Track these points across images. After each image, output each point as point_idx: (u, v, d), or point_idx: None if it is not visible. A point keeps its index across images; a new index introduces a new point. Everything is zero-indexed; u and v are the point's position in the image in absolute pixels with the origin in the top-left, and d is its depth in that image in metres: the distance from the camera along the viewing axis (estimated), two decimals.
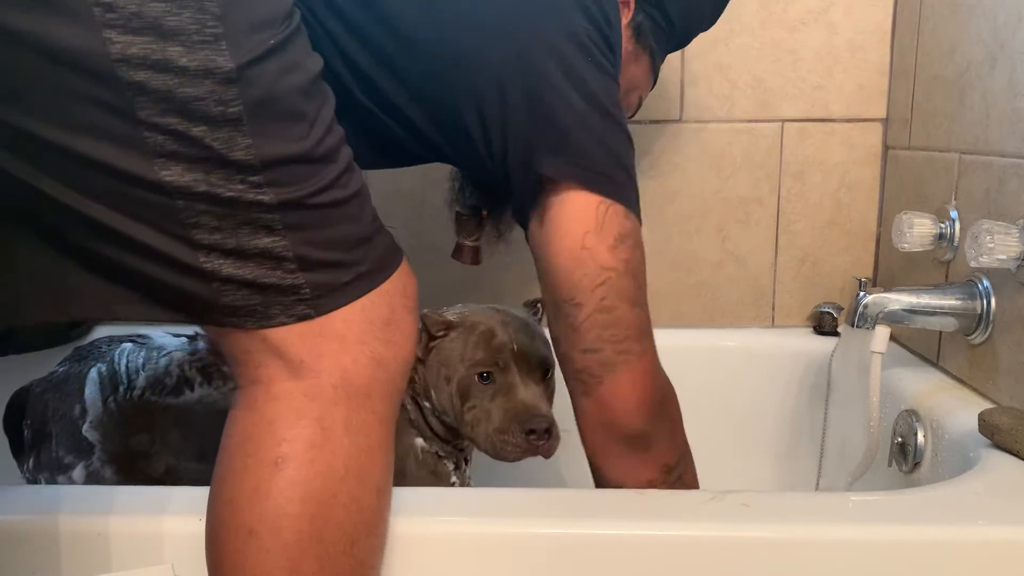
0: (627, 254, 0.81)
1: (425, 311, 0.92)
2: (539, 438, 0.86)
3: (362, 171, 0.68)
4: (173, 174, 0.56)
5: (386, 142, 0.88)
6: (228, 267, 0.59)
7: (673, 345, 1.32)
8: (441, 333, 0.93)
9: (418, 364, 0.93)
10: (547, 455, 0.88)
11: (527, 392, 0.90)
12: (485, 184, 0.99)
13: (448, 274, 1.39)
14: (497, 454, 0.89)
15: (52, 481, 0.95)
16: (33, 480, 0.97)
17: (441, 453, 0.95)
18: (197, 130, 0.56)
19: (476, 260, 1.08)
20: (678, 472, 0.85)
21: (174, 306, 0.61)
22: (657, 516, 0.74)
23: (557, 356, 0.86)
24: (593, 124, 0.80)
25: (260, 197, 0.58)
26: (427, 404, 0.94)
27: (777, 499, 0.80)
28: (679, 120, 1.33)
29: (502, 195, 0.92)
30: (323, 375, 0.63)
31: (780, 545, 0.71)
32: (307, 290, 0.61)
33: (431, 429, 0.95)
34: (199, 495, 0.66)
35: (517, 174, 0.81)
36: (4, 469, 1.11)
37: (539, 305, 1.01)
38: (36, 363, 1.18)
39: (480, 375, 0.90)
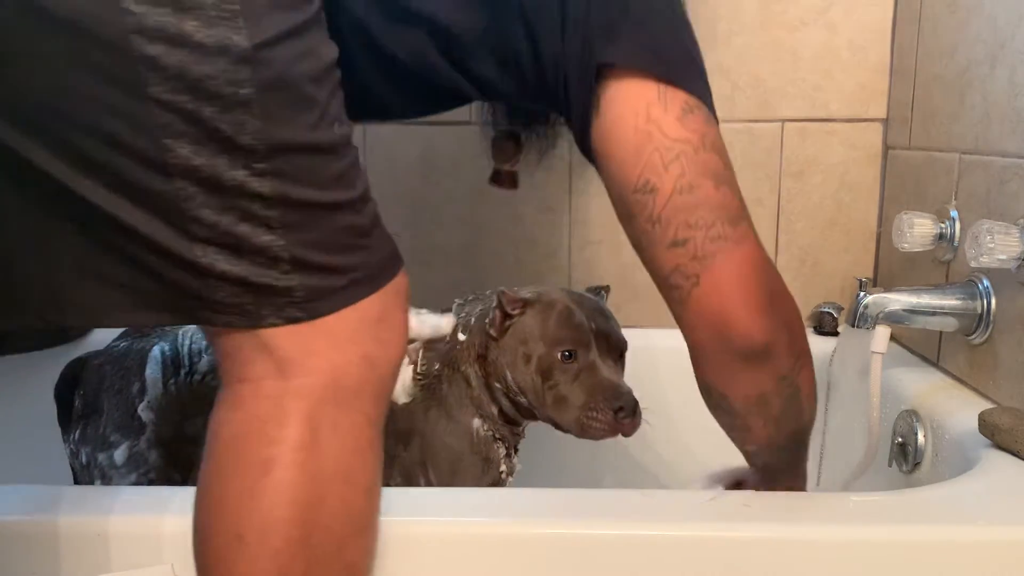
0: (700, 125, 0.71)
1: (501, 289, 0.92)
2: (626, 416, 0.86)
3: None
4: (179, 157, 0.55)
5: (422, 84, 0.82)
6: (223, 263, 0.58)
7: (674, 345, 1.31)
8: (517, 311, 0.92)
9: (491, 343, 0.93)
10: (629, 433, 0.88)
11: (609, 371, 0.90)
12: (521, 108, 0.96)
13: (448, 274, 1.39)
14: (583, 432, 0.88)
15: (93, 457, 0.95)
16: (75, 452, 0.97)
17: (497, 435, 0.95)
18: (207, 111, 0.55)
19: (514, 184, 1.06)
20: (790, 379, 0.76)
21: (165, 304, 0.60)
22: (657, 516, 0.74)
23: (644, 262, 0.76)
24: (659, 10, 0.73)
25: (261, 188, 0.57)
26: (498, 384, 0.93)
27: (777, 499, 0.80)
28: None
29: (539, 115, 0.88)
30: (313, 374, 0.61)
31: (780, 545, 0.71)
32: (300, 293, 0.60)
33: (498, 408, 0.94)
34: None
35: (575, 78, 0.73)
36: (8, 463, 1.11)
37: (603, 291, 1.02)
38: (36, 363, 1.18)
39: (563, 354, 0.89)
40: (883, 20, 1.29)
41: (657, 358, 1.30)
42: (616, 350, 0.93)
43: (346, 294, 0.63)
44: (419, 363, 0.95)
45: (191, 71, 0.54)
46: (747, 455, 0.85)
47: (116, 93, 0.53)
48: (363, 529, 0.64)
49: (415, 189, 1.37)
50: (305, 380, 0.61)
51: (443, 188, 1.37)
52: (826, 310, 1.34)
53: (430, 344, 0.96)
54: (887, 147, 1.32)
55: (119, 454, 0.93)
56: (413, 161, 1.36)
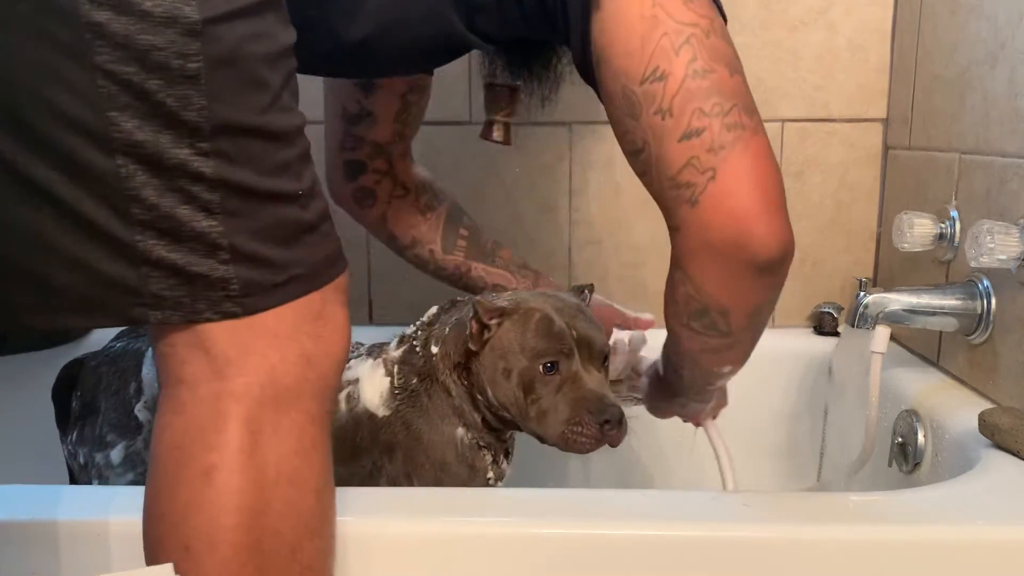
0: (707, 10, 0.68)
1: (477, 298, 0.89)
2: (612, 428, 0.83)
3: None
4: (123, 131, 0.54)
5: (427, 43, 0.83)
6: (160, 249, 0.56)
7: None
8: (494, 322, 0.89)
9: (472, 356, 0.90)
10: (616, 444, 0.85)
11: (593, 380, 0.86)
12: (521, 56, 0.95)
13: None
14: (569, 447, 0.85)
15: (90, 457, 0.94)
16: (73, 453, 0.97)
17: (482, 443, 0.92)
18: (152, 83, 0.53)
19: (507, 139, 1.04)
20: (781, 287, 0.74)
21: (97, 303, 0.58)
22: (657, 516, 0.74)
23: (645, 170, 0.70)
24: None
25: (203, 169, 0.56)
26: (480, 397, 0.91)
27: (777, 499, 0.80)
28: None
29: (540, 60, 0.88)
30: (249, 374, 0.60)
31: (780, 545, 0.71)
32: (236, 285, 0.59)
33: (482, 417, 0.92)
34: None
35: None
36: (8, 463, 1.11)
37: (586, 291, 0.98)
38: (36, 363, 1.18)
39: (545, 366, 0.86)
40: (883, 20, 1.29)
41: (657, 358, 1.30)
42: (600, 356, 0.89)
43: (284, 291, 0.61)
44: (396, 376, 0.93)
45: (138, 40, 0.53)
46: (702, 377, 0.85)
47: (62, 60, 0.52)
48: (316, 531, 0.63)
49: None
50: (242, 380, 0.60)
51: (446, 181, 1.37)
52: (826, 310, 1.34)
53: (406, 358, 0.94)
54: (887, 147, 1.32)
55: (116, 454, 0.93)
56: None
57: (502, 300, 0.90)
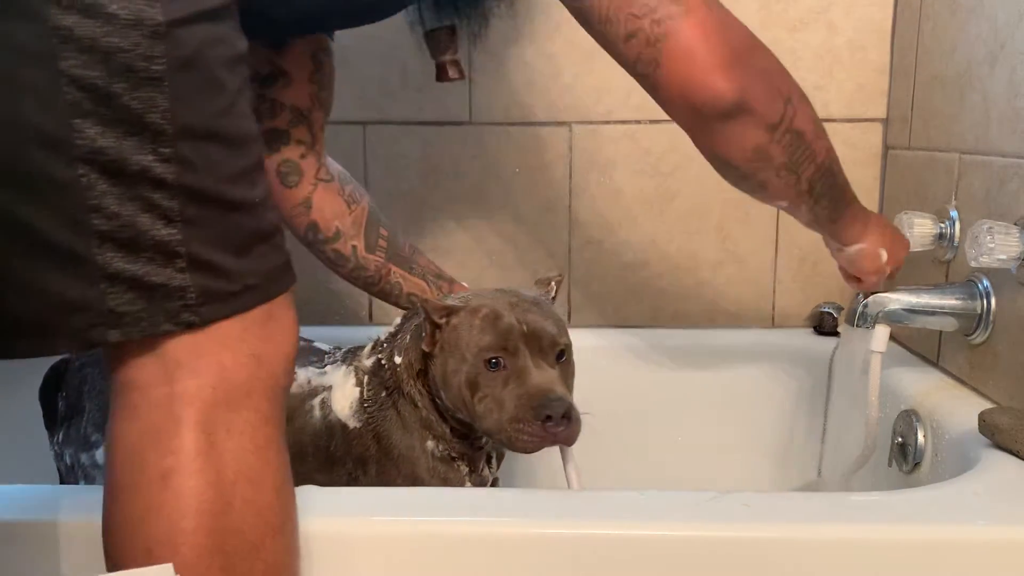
0: None
1: (424, 298, 0.89)
2: (557, 424, 0.79)
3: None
4: (85, 138, 0.54)
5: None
6: (119, 261, 0.56)
7: (673, 345, 1.33)
8: (443, 320, 0.87)
9: (429, 359, 0.88)
10: (568, 442, 0.82)
11: (540, 375, 0.83)
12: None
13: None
14: (513, 445, 0.82)
15: (76, 457, 0.94)
16: (60, 455, 0.96)
17: (454, 454, 0.90)
18: (117, 86, 0.54)
19: (462, 73, 1.07)
20: (784, 125, 0.80)
21: (53, 327, 0.58)
22: (657, 516, 0.74)
23: (615, 60, 0.81)
24: None
25: (165, 175, 0.56)
26: (440, 402, 0.89)
27: (777, 499, 0.80)
28: None
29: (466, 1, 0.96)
30: (201, 375, 0.60)
31: (780, 545, 0.71)
32: (193, 294, 0.59)
33: (451, 425, 0.90)
34: None
35: None
36: (7, 463, 1.11)
37: (553, 283, 0.96)
38: (36, 363, 1.18)
39: (488, 361, 0.83)
40: (883, 20, 1.29)
41: (657, 358, 1.30)
42: (552, 350, 0.85)
43: (239, 301, 0.62)
44: (366, 388, 0.92)
45: (103, 43, 0.53)
46: (798, 218, 0.92)
47: (27, 67, 0.52)
48: (278, 528, 0.63)
49: (415, 189, 1.37)
50: (193, 382, 0.60)
51: (443, 188, 1.37)
52: (826, 310, 1.34)
53: (375, 370, 0.93)
54: (887, 147, 1.32)
55: (100, 454, 0.93)
56: (413, 161, 1.36)
57: (451, 298, 0.89)
